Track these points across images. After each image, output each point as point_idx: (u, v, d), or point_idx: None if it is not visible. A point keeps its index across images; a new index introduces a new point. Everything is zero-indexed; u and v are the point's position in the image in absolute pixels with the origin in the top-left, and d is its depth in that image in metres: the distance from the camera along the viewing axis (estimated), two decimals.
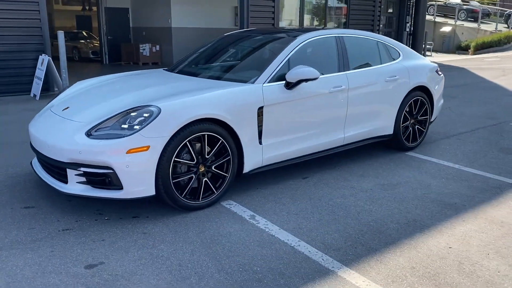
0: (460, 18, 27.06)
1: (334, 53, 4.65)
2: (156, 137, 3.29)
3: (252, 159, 3.93)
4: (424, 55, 18.52)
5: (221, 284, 2.64)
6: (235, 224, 3.41)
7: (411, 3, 18.30)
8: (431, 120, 5.70)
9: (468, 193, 4.13)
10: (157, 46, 16.31)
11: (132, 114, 3.38)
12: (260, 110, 3.89)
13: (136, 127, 3.29)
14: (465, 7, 28.29)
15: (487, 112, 7.79)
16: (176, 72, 4.66)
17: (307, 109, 4.25)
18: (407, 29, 18.62)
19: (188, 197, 3.57)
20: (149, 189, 3.35)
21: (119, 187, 3.30)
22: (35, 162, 4.00)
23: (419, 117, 5.44)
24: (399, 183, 4.37)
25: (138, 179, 3.29)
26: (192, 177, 3.55)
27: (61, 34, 8.38)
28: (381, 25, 16.41)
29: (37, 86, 8.48)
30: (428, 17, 26.59)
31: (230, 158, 3.73)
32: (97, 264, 2.82)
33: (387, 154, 5.30)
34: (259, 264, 2.87)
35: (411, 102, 5.25)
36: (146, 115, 3.34)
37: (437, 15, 27.23)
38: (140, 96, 3.73)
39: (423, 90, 5.39)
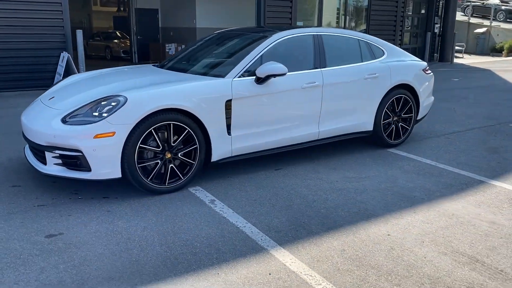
0: (498, 19, 26.25)
1: (311, 50, 4.83)
2: (121, 124, 3.61)
3: (221, 149, 4.18)
4: (453, 57, 18.17)
5: (159, 255, 2.92)
6: (193, 207, 3.68)
7: (441, 4, 18.02)
8: (418, 118, 5.76)
9: (432, 188, 4.22)
10: (182, 46, 16.82)
11: (102, 102, 3.72)
12: (228, 103, 4.14)
13: (104, 114, 3.62)
14: (504, 7, 27.41)
15: (491, 113, 7.71)
16: (162, 67, 4.98)
17: (278, 103, 4.46)
18: (436, 30, 18.34)
19: (155, 181, 3.87)
20: (115, 172, 3.67)
21: (88, 169, 3.64)
22: (27, 147, 4.41)
23: (403, 114, 5.52)
24: (368, 176, 4.51)
25: (105, 162, 3.62)
26: (158, 162, 3.85)
27: (79, 33, 8.94)
28: (407, 26, 16.27)
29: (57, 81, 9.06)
30: (462, 17, 25.98)
31: (197, 146, 4.00)
32: (57, 235, 3.16)
33: (368, 150, 5.42)
34: (201, 241, 3.13)
35: (393, 99, 5.35)
36: (113, 103, 3.67)
37: (473, 16, 26.53)
38: (116, 87, 4.06)
39: (407, 88, 5.48)
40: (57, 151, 3.68)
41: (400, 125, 5.54)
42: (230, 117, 4.18)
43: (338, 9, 13.88)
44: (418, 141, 5.88)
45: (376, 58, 5.34)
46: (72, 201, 3.76)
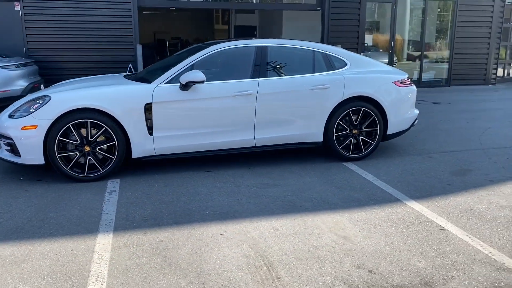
0: None
1: (250, 61, 5.03)
2: (43, 119, 4.34)
3: (142, 147, 4.66)
4: None
5: (18, 224, 3.53)
6: (89, 194, 4.22)
7: None
8: (390, 133, 5.45)
9: (333, 201, 4.10)
10: None
11: (36, 100, 4.51)
12: (149, 106, 4.61)
13: (32, 110, 4.41)
14: None
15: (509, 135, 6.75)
16: (126, 77, 5.52)
17: (205, 108, 4.77)
18: None
19: (76, 170, 4.52)
20: (39, 159, 4.42)
21: (19, 154, 4.44)
22: None
23: (365, 128, 5.31)
24: (281, 184, 4.54)
25: (30, 150, 4.39)
26: (77, 154, 4.50)
27: (139, 47, 10.19)
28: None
29: None
30: None
31: (115, 143, 4.55)
32: None
33: (320, 161, 5.34)
34: (65, 216, 3.66)
35: (349, 112, 5.20)
36: (40, 102, 4.43)
37: None
38: (62, 89, 4.82)
39: (370, 100, 5.27)
40: (2, 139, 4.57)
41: (361, 138, 5.33)
42: (151, 119, 4.64)
43: (419, 21, 13.06)
44: (390, 157, 5.55)
45: (334, 69, 5.27)
46: (13, 182, 4.60)
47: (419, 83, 13.17)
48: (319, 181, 4.63)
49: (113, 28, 10.64)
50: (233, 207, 3.94)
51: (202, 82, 4.63)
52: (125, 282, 2.76)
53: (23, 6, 10.10)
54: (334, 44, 11.92)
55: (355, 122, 5.28)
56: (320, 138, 5.20)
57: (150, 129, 4.66)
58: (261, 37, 17.37)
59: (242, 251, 3.14)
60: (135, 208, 3.90)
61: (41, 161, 4.44)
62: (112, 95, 4.54)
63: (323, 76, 5.18)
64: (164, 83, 4.72)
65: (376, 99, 5.26)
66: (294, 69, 5.17)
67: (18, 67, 8.35)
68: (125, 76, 5.33)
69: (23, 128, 4.37)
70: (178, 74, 4.77)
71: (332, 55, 5.36)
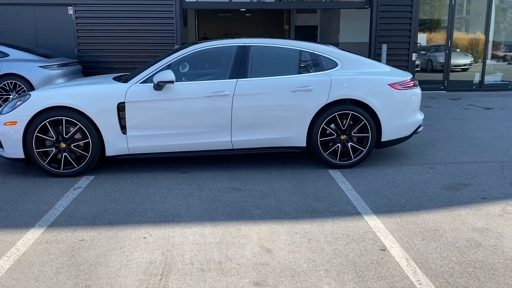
0: None
1: (230, 61, 4.88)
2: (22, 116, 4.58)
3: (116, 146, 4.73)
4: None
5: None
6: (55, 189, 4.37)
7: None
8: (386, 140, 5.00)
9: (287, 210, 3.84)
10: None
11: (20, 98, 4.76)
12: (122, 105, 4.66)
13: (15, 107, 4.66)
14: None
15: None
16: (116, 78, 5.57)
17: (179, 109, 4.72)
18: None
19: (53, 165, 4.71)
20: (19, 153, 4.66)
21: (2, 148, 4.73)
22: None
23: (354, 133, 4.93)
24: (246, 189, 4.35)
25: (11, 144, 4.64)
26: (53, 150, 4.68)
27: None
28: None
29: None
30: None
31: (89, 141, 4.67)
32: None
33: (305, 166, 5.04)
34: (17, 209, 3.83)
35: (336, 116, 4.85)
36: (22, 99, 4.67)
37: None
38: (47, 87, 5.03)
39: (360, 104, 4.88)
40: None
41: (350, 145, 4.95)
42: (125, 118, 4.69)
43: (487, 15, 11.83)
44: (386, 165, 5.09)
45: (323, 70, 4.95)
46: (4, 174, 4.92)
47: (480, 86, 12.03)
48: (288, 188, 4.38)
49: (156, 29, 11.01)
50: (178, 210, 3.85)
51: (172, 82, 4.58)
52: (17, 278, 2.79)
53: (75, 10, 10.81)
54: (380, 43, 11.30)
55: (343, 127, 4.92)
56: (303, 143, 4.92)
57: (123, 128, 4.71)
58: (321, 36, 16.67)
59: (150, 257, 3.04)
60: (84, 206, 3.96)
61: (21, 155, 4.68)
62: (87, 94, 4.65)
63: (307, 77, 4.88)
64: (140, 83, 4.75)
65: (366, 102, 4.86)
66: (277, 69, 4.94)
67: (60, 66, 8.94)
68: (114, 78, 5.38)
69: (5, 124, 4.64)
70: (153, 74, 4.77)
71: (322, 55, 5.03)
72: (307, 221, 3.61)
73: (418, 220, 3.62)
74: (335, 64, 5.01)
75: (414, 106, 5.12)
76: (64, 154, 4.70)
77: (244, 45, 4.98)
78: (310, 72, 4.94)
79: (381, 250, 3.14)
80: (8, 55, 8.73)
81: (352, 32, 15.96)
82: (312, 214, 3.76)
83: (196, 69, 4.96)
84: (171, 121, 4.74)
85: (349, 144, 4.96)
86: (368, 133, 4.93)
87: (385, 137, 5.01)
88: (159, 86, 4.64)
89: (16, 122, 4.60)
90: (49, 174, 4.73)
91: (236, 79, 4.81)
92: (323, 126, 4.87)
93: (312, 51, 5.04)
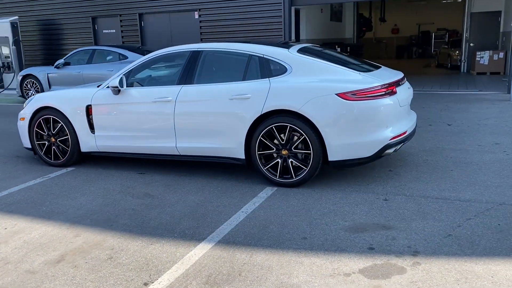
0: None
1: (181, 67, 4.85)
2: (27, 113, 5.59)
3: (87, 144, 5.31)
4: None
5: None
6: (28, 176, 5.20)
7: None
8: (333, 159, 4.21)
9: (121, 221, 3.75)
10: (501, 54, 14.18)
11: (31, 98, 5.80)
12: (89, 107, 5.20)
13: (24, 105, 5.71)
14: None
15: None
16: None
17: (131, 112, 4.98)
18: None
19: (49, 156, 5.59)
20: (28, 143, 5.70)
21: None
22: None
23: (294, 149, 4.31)
24: (158, 197, 4.34)
25: (24, 136, 5.71)
26: (46, 143, 5.55)
27: None
28: None
29: None
30: None
31: (68, 137, 5.38)
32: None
33: (246, 181, 4.64)
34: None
35: (272, 128, 4.34)
36: (30, 99, 5.68)
37: None
38: (51, 90, 5.94)
39: (300, 116, 4.24)
40: None
41: (291, 161, 4.35)
42: (92, 119, 5.21)
43: None
44: (337, 189, 4.26)
45: (270, 76, 4.46)
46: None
47: None
48: (192, 203, 4.19)
49: (266, 29, 11.25)
50: (64, 209, 4.16)
51: (116, 87, 4.87)
52: None
53: (200, 15, 11.92)
54: None
55: (282, 141, 4.35)
56: (241, 155, 4.56)
57: (92, 128, 5.25)
58: (505, 25, 14.70)
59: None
60: (14, 194, 4.65)
61: (29, 145, 5.71)
62: (65, 96, 5.35)
63: (247, 84, 4.49)
64: (105, 87, 5.19)
65: (304, 114, 4.18)
66: (224, 75, 4.67)
67: None
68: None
69: (20, 119, 5.73)
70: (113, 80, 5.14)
71: (272, 60, 4.52)
72: (140, 239, 3.47)
73: (234, 259, 3.07)
74: (283, 70, 4.45)
75: (376, 122, 4.14)
76: (53, 147, 5.53)
77: (195, 50, 4.87)
78: (256, 79, 4.52)
79: (144, 284, 2.84)
80: (127, 57, 10.33)
81: None
82: (161, 233, 3.57)
83: (154, 75, 5.11)
84: (126, 124, 5.04)
85: (290, 160, 4.36)
86: (310, 150, 4.24)
87: (332, 156, 4.22)
88: (114, 91, 5.00)
89: (24, 118, 5.64)
90: (46, 163, 5.63)
91: (182, 85, 4.78)
92: (261, 139, 4.42)
93: (262, 55, 4.58)
